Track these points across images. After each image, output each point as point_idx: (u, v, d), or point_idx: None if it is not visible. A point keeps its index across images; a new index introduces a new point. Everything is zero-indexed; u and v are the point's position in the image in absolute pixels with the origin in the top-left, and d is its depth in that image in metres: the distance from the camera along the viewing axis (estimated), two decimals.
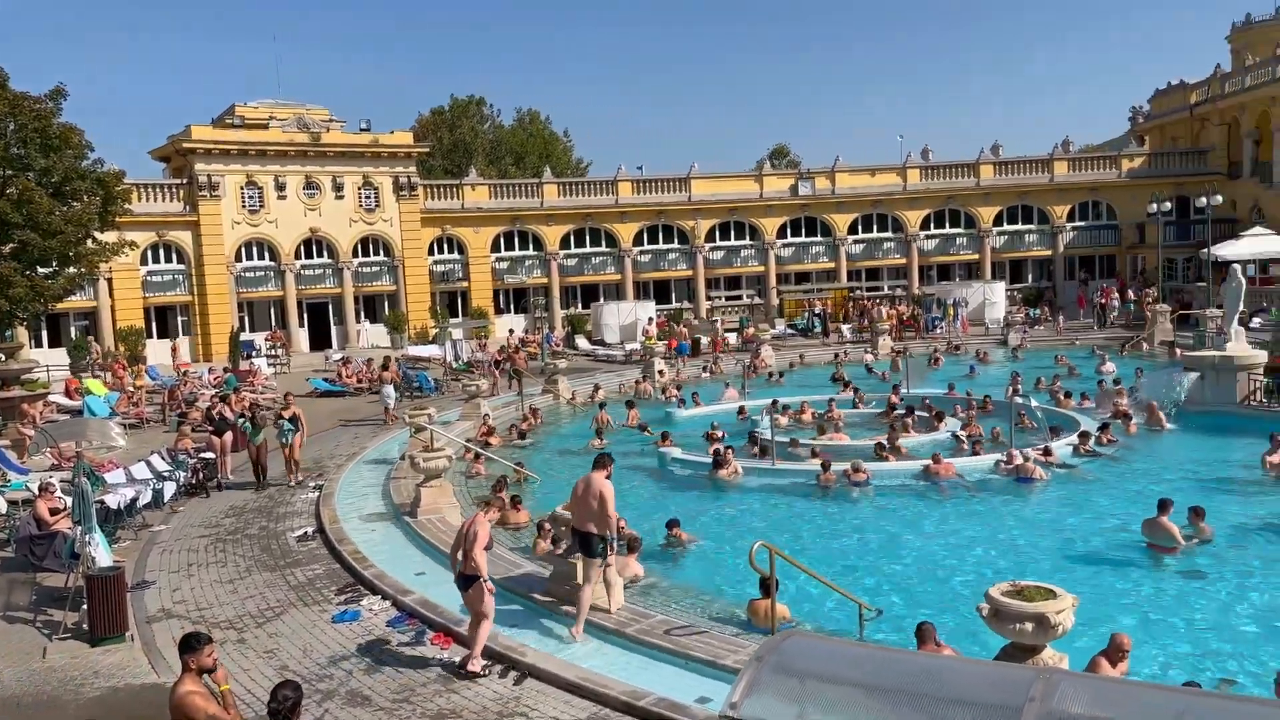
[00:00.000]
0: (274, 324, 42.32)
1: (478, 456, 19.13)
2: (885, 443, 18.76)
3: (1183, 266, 45.70)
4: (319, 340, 42.96)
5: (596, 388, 29.19)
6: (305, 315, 43.22)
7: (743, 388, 29.33)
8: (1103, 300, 41.85)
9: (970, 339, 39.41)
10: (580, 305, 47.09)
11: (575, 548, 10.38)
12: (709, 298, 47.74)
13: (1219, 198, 40.08)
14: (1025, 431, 20.45)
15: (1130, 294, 42.73)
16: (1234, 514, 14.42)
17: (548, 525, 12.79)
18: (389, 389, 26.31)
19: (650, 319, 41.30)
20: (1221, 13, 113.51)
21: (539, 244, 46.68)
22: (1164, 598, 11.52)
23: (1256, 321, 33.45)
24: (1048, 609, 6.74)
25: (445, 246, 45.78)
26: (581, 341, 42.93)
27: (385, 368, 31.19)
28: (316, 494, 17.00)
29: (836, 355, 35.60)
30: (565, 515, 10.69)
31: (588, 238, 47.19)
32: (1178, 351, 29.95)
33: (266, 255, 42.22)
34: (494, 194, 46.57)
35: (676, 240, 47.89)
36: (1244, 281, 23.01)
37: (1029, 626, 6.72)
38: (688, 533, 13.88)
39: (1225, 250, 37.81)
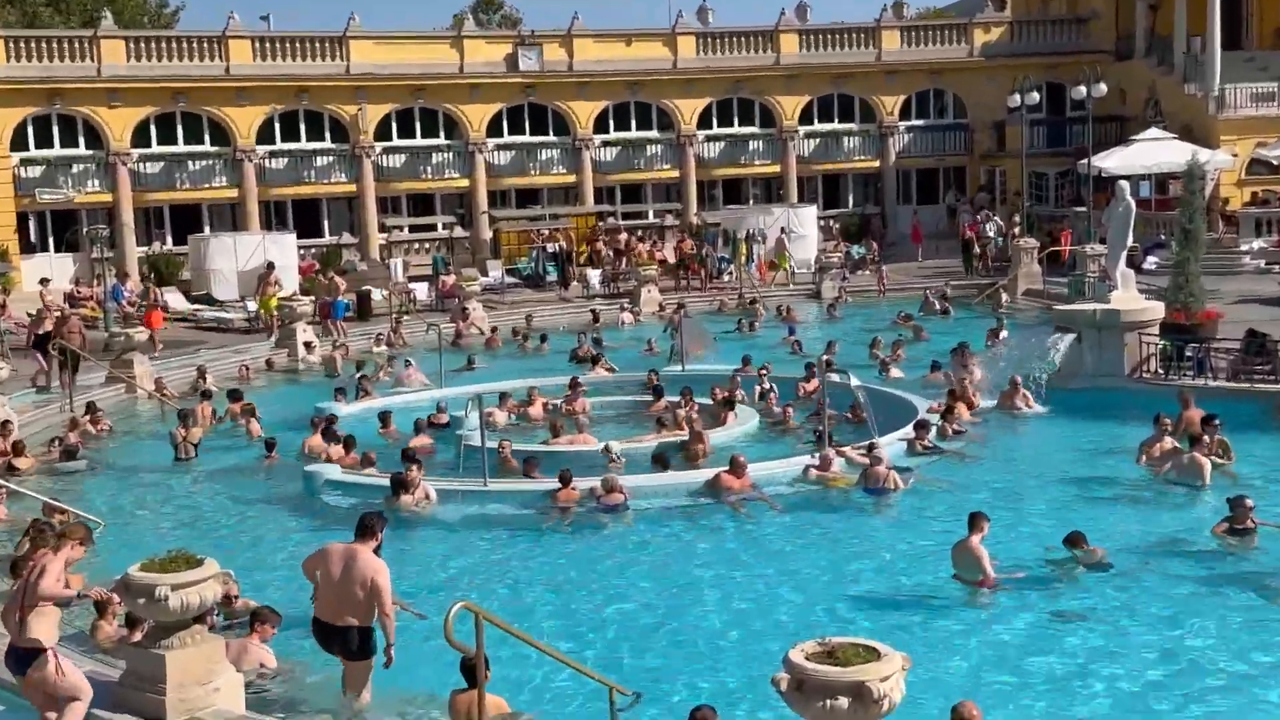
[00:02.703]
0: None
1: None
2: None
3: (1055, 184, 49.93)
4: None
5: (201, 372, 28.18)
6: None
7: (469, 363, 29.72)
8: (971, 232, 44.17)
9: (770, 290, 41.16)
10: (172, 239, 45.30)
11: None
12: (384, 227, 47.16)
13: (1103, 86, 43.88)
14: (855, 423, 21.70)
15: (997, 224, 45.40)
16: (1118, 528, 15.92)
17: (116, 598, 12.23)
18: None
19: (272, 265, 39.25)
20: None
21: (97, 138, 44.32)
22: (1030, 646, 12.57)
23: (1151, 261, 36.98)
24: (869, 675, 6.97)
25: None
26: (174, 298, 41.14)
27: None
28: None
29: (596, 317, 36.17)
30: (145, 579, 10.29)
31: (180, 128, 45.30)
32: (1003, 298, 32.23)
33: None
34: (15, 53, 43.55)
35: (329, 135, 46.89)
36: (1134, 205, 25.39)
37: (844, 702, 6.95)
38: None
39: (1111, 161, 41.51)
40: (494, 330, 35.22)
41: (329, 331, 34.35)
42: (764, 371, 24.95)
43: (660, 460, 19.15)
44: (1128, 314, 23.83)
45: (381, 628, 10.76)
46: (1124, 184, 25.70)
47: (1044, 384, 23.14)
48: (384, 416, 23.32)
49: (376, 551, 10.91)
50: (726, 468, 18.13)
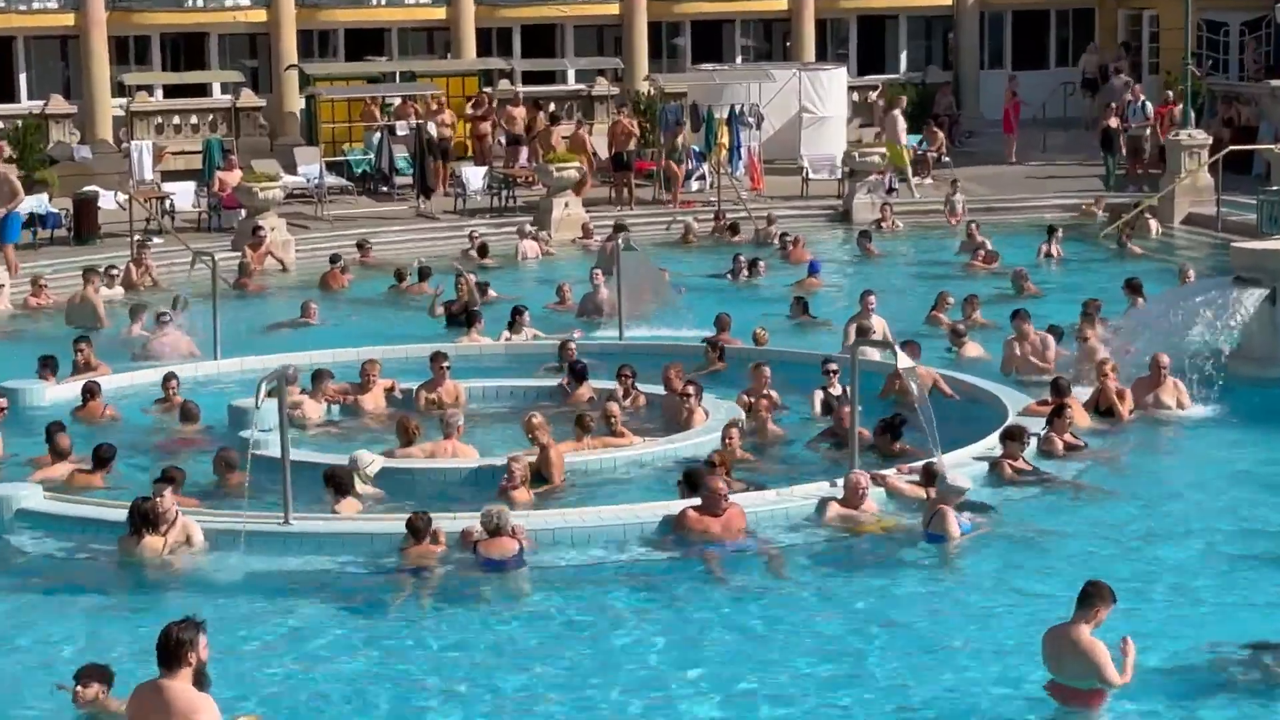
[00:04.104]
0: None
1: None
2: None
3: (1240, 42, 50.19)
4: None
5: None
6: None
7: (302, 313, 30.65)
8: (1117, 118, 44.30)
9: (766, 204, 41.46)
10: None
11: None
12: (124, 88, 47.17)
13: None
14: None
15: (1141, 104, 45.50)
16: None
17: None
18: None
19: None
20: None
21: None
22: None
23: None
24: None
25: None
26: None
27: None
28: None
29: (482, 248, 36.37)
30: None
31: None
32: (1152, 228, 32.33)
33: None
34: None
35: None
36: None
37: None
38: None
39: None
40: (338, 264, 35.04)
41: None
42: (832, 369, 23.91)
43: (335, 483, 18.88)
44: None
45: None
46: None
47: (1212, 370, 23.04)
48: (167, 381, 23.68)
49: (199, 684, 10.88)
50: (695, 501, 18.00)
